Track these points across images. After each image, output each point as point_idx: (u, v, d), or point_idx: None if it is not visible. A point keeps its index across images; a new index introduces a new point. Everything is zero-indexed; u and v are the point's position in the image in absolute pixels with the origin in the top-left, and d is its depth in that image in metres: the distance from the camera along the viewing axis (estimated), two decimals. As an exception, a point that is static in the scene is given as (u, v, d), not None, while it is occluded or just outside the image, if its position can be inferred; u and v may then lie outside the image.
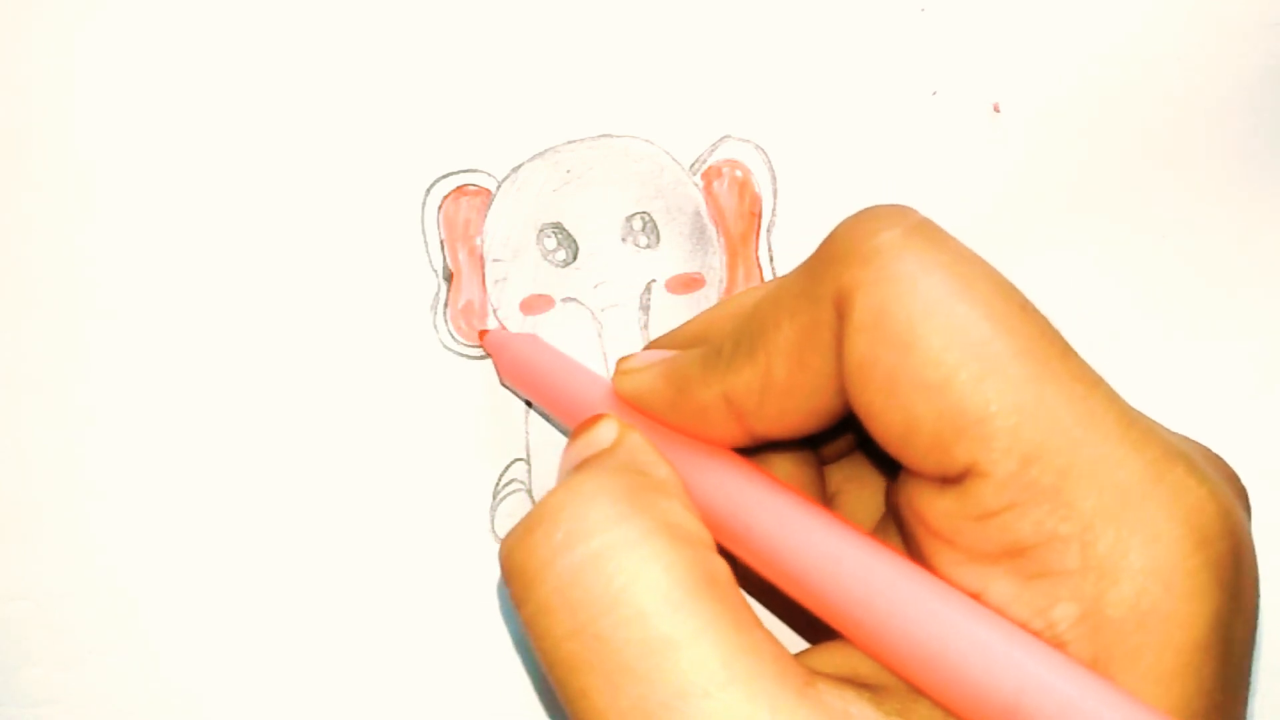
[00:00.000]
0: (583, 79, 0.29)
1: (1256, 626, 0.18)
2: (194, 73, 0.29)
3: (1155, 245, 0.31)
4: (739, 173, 0.30)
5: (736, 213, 0.30)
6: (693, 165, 0.30)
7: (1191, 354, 0.31)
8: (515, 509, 0.30)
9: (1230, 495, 0.18)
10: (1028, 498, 0.17)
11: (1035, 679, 0.17)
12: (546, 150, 0.29)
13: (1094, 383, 0.18)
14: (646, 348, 0.24)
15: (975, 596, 0.18)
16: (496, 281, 0.30)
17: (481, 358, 0.30)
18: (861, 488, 0.25)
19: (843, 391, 0.19)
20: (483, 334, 0.29)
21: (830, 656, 0.19)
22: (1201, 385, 0.31)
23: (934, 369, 0.17)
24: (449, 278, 0.29)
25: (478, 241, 0.30)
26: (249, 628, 0.29)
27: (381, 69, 0.29)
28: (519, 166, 0.29)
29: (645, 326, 0.30)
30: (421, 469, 0.29)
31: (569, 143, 0.29)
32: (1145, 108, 0.30)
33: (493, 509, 0.30)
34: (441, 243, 0.29)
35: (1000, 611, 0.18)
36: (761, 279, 0.30)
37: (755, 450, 0.22)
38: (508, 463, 0.30)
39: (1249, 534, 0.18)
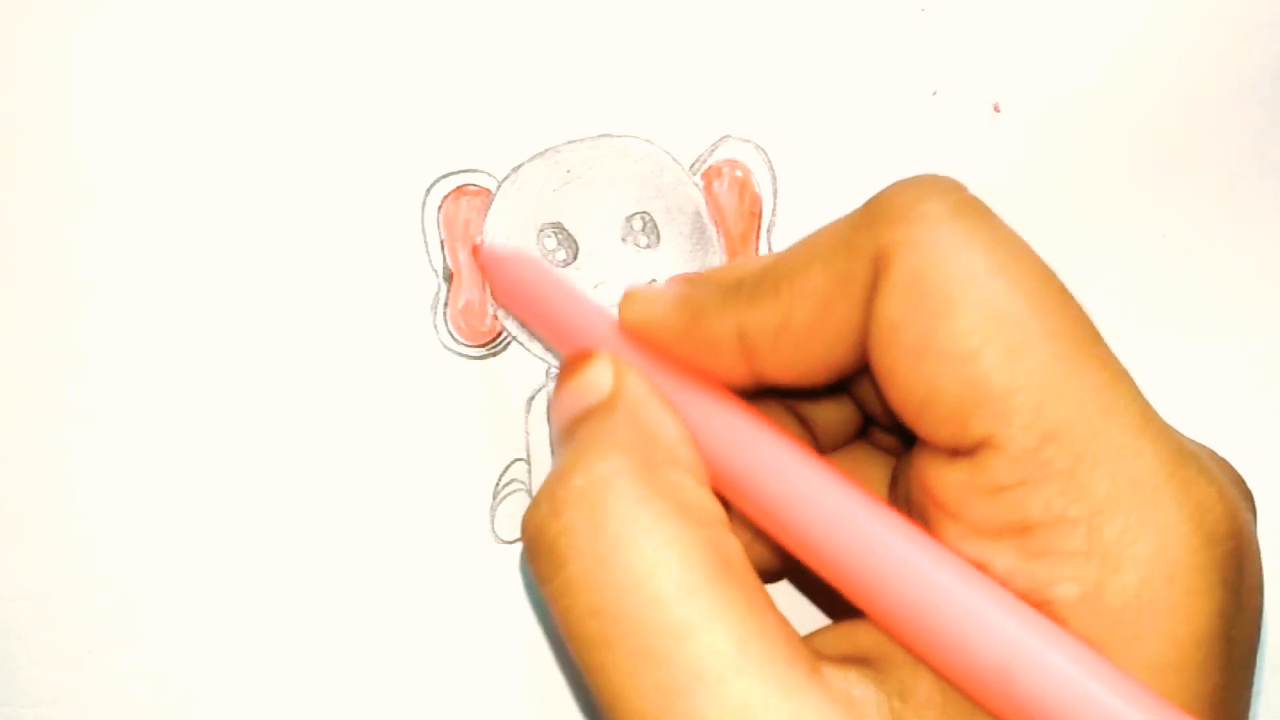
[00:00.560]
0: (583, 79, 0.29)
1: (1260, 630, 0.18)
2: (193, 73, 0.29)
3: (1156, 245, 0.31)
4: (739, 173, 0.30)
5: (736, 213, 0.30)
6: (693, 165, 0.30)
7: (1192, 354, 0.31)
8: (515, 509, 0.30)
9: (1238, 498, 0.18)
10: (1041, 476, 0.17)
11: (1028, 647, 0.17)
12: (546, 150, 0.29)
13: (1119, 374, 0.18)
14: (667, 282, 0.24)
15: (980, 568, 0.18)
16: (496, 281, 0.30)
17: (481, 358, 0.30)
18: (859, 478, 0.25)
19: (860, 347, 0.19)
20: (476, 249, 0.28)
21: (835, 637, 0.20)
22: (1202, 385, 0.31)
23: (964, 338, 0.17)
24: (449, 278, 0.29)
25: (478, 241, 0.30)
26: (249, 628, 0.29)
27: (381, 69, 0.29)
28: (519, 166, 0.29)
29: (645, 326, 0.30)
30: (421, 469, 0.29)
31: (569, 143, 0.29)
32: (1145, 108, 0.30)
33: (493, 509, 0.30)
34: (441, 243, 0.29)
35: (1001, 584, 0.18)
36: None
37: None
38: (508, 463, 0.30)
39: (1255, 537, 0.18)
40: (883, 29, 0.30)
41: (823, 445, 0.26)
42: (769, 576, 0.25)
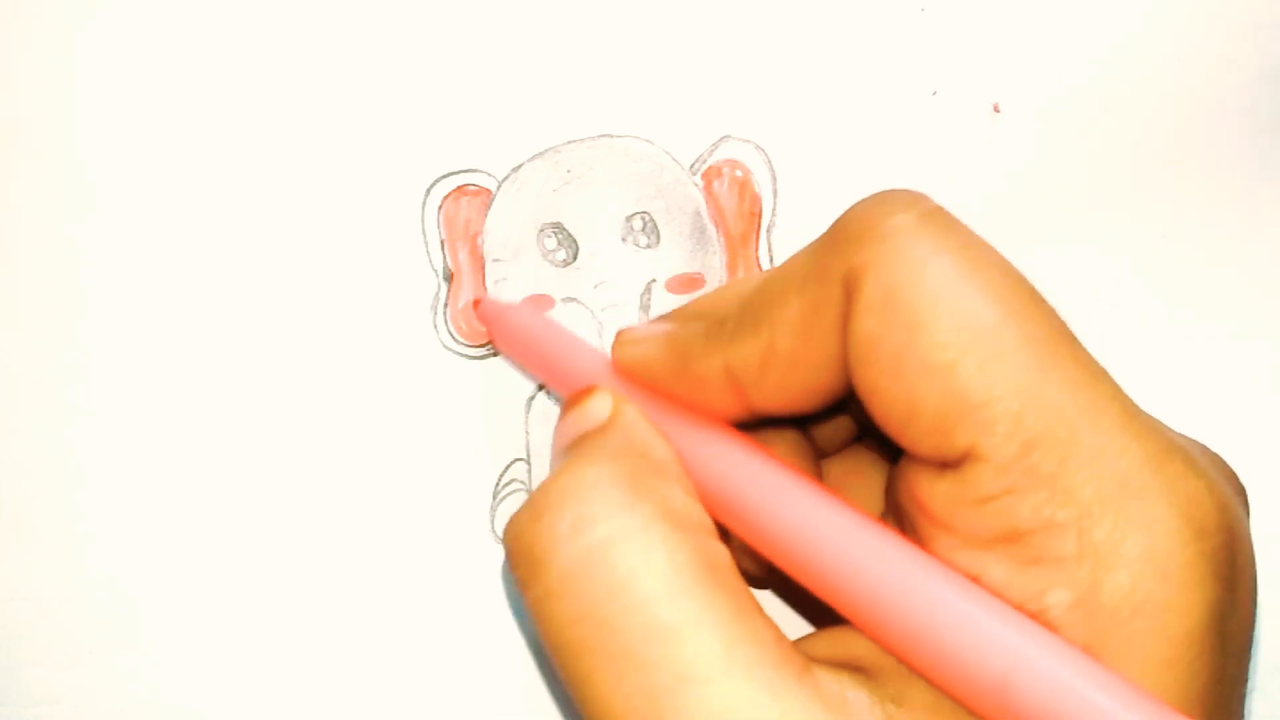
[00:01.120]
0: (583, 79, 0.29)
1: (1254, 623, 0.18)
2: (193, 73, 0.29)
3: (1156, 245, 0.31)
4: (739, 173, 0.30)
5: (736, 213, 0.30)
6: (693, 165, 0.30)
7: (1192, 353, 0.31)
8: (515, 509, 0.30)
9: (1228, 491, 0.18)
10: (1027, 483, 0.17)
11: (1025, 658, 0.17)
12: (546, 150, 0.29)
13: (1097, 374, 0.18)
14: (650, 322, 0.24)
15: (972, 580, 0.18)
16: (497, 281, 0.30)
17: (481, 358, 0.30)
18: (858, 481, 0.25)
19: (845, 370, 0.19)
20: (477, 301, 0.29)
21: (828, 642, 0.20)
22: (1202, 384, 0.31)
23: (940, 351, 0.17)
24: (449, 278, 0.29)
25: (478, 241, 0.30)
26: (249, 628, 0.29)
27: (381, 69, 0.29)
28: (519, 166, 0.29)
29: (645, 326, 0.30)
30: (421, 469, 0.29)
31: (569, 143, 0.29)
32: (1145, 108, 0.30)
33: (493, 509, 0.30)
34: (441, 243, 0.29)
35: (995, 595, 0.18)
36: (761, 279, 0.30)
37: (752, 434, 0.22)
38: (508, 463, 0.30)
39: (1247, 530, 0.18)
40: (883, 29, 0.30)
41: (822, 450, 0.26)
42: (755, 585, 0.25)
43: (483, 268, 0.29)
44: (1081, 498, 0.17)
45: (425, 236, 0.29)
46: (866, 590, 0.18)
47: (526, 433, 0.30)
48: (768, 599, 0.27)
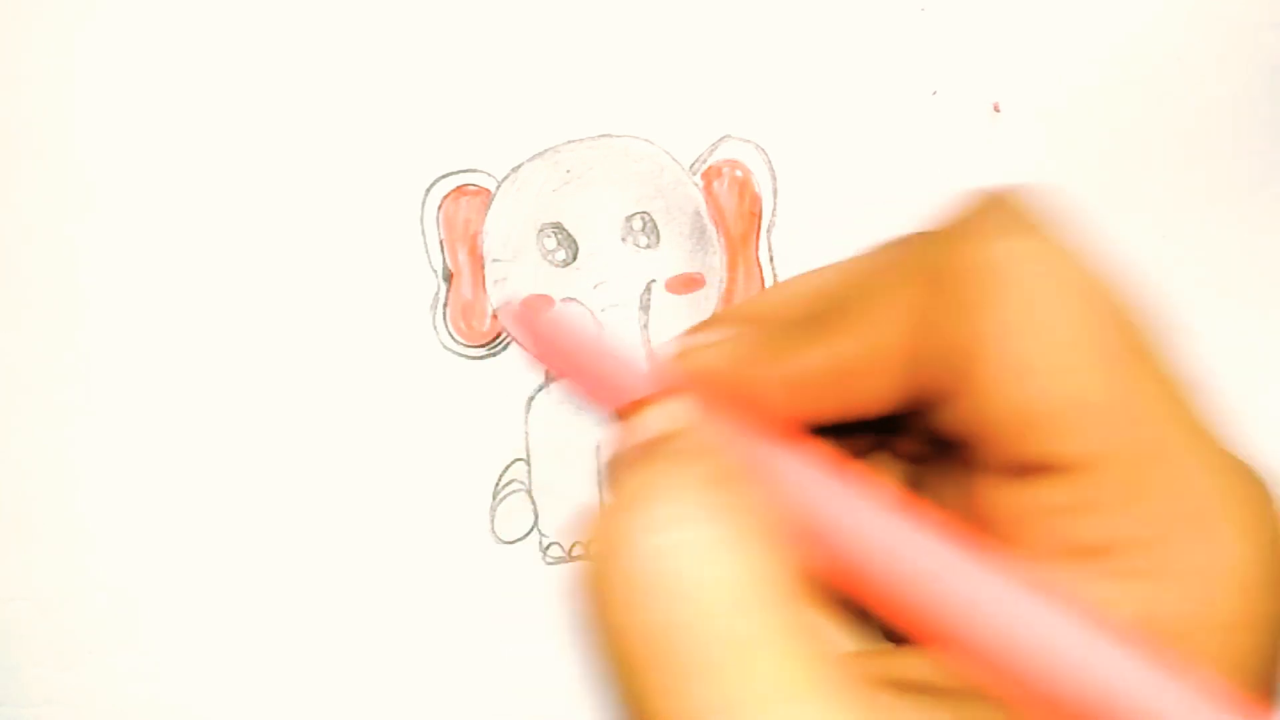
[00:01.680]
0: (582, 79, 0.29)
1: None
2: (193, 73, 0.29)
3: (1156, 245, 0.31)
4: (739, 173, 0.30)
5: (737, 213, 0.30)
6: (693, 165, 0.30)
7: (1192, 353, 0.31)
8: (515, 509, 0.30)
9: None
10: (1109, 497, 0.17)
11: (1133, 677, 0.16)
12: (546, 150, 0.29)
13: (1182, 390, 0.18)
14: (695, 328, 0.23)
15: None
16: (496, 282, 0.30)
17: (481, 358, 0.30)
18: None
19: (917, 375, 0.19)
20: (522, 304, 0.28)
21: (887, 661, 0.19)
22: (1203, 383, 0.31)
23: (1032, 356, 0.17)
24: (449, 278, 0.29)
25: (478, 241, 0.30)
26: (248, 628, 0.29)
27: (381, 69, 0.29)
28: (519, 166, 0.29)
29: (645, 326, 0.30)
30: (421, 469, 0.29)
31: (569, 142, 0.29)
32: (1146, 107, 0.30)
33: (492, 509, 0.30)
34: (441, 243, 0.29)
35: None
36: (761, 280, 0.30)
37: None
38: (507, 463, 0.30)
39: None
40: (883, 29, 0.30)
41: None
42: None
43: (482, 268, 0.29)
44: (1163, 516, 0.17)
45: (425, 236, 0.29)
46: (969, 621, 0.18)
47: (526, 433, 0.30)
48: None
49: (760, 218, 0.30)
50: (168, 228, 0.29)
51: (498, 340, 0.30)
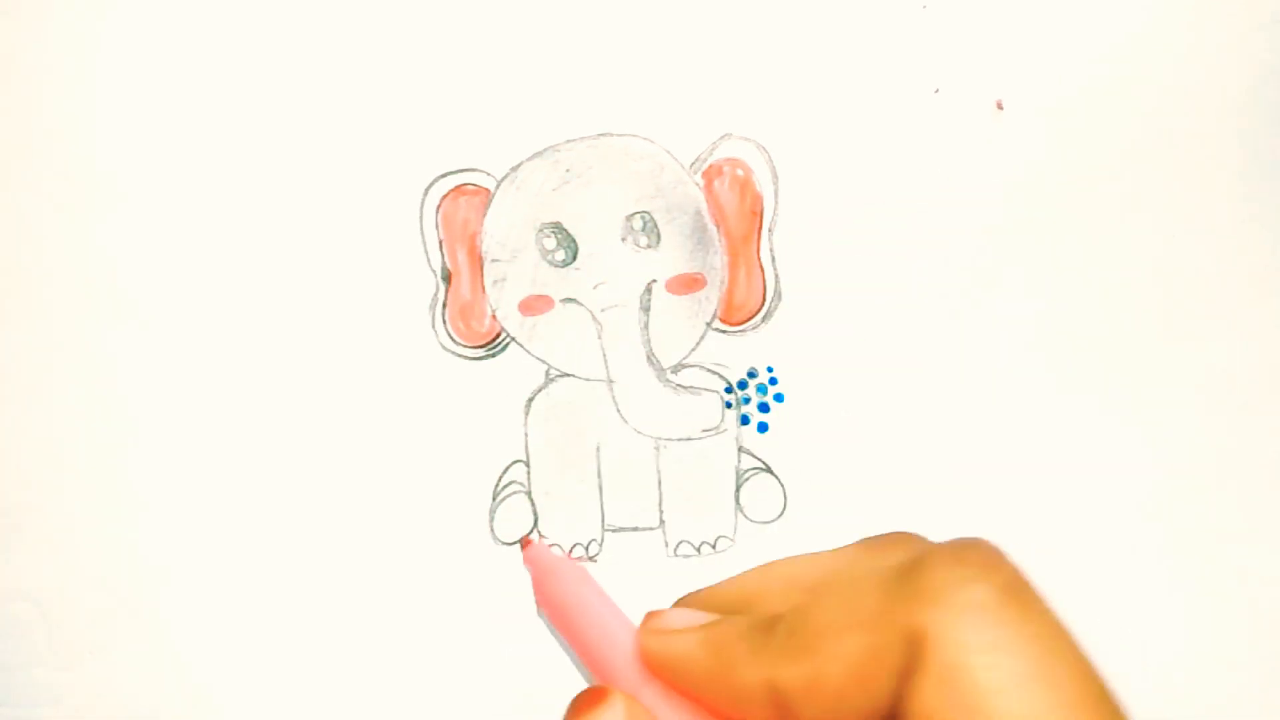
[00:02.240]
0: (582, 78, 0.29)
1: None
2: (193, 74, 0.29)
3: (1157, 244, 0.31)
4: (740, 171, 0.30)
5: (738, 212, 0.30)
6: (693, 164, 0.30)
7: (1193, 352, 0.31)
8: (515, 510, 0.30)
9: None
10: None
11: None
12: (546, 149, 0.29)
13: None
14: (677, 604, 0.23)
15: None
16: (495, 282, 0.29)
17: (480, 358, 0.29)
18: None
19: (896, 714, 0.19)
20: (527, 543, 0.28)
21: None
22: (1203, 383, 0.31)
23: None
24: (448, 278, 0.29)
25: (477, 241, 0.29)
26: (249, 627, 0.29)
27: (381, 69, 0.29)
28: (518, 166, 0.29)
29: (645, 327, 0.29)
30: (421, 470, 0.29)
31: (568, 141, 0.29)
32: (1147, 106, 0.30)
33: (492, 510, 0.30)
34: (440, 243, 0.29)
35: None
36: (763, 279, 0.30)
37: None
38: (507, 464, 0.30)
39: None
40: (885, 27, 0.30)
41: None
42: None
43: (481, 268, 0.29)
44: None
45: (424, 236, 0.29)
46: None
47: (526, 434, 0.30)
48: None
49: (761, 217, 0.30)
50: (167, 227, 0.29)
51: (496, 341, 0.29)
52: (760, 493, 0.30)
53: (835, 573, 0.20)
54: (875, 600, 0.19)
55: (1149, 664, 0.31)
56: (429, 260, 0.29)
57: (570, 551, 0.30)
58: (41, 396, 0.29)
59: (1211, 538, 0.31)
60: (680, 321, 0.29)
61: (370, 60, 0.29)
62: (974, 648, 0.18)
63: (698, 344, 0.30)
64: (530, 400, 0.30)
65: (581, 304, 0.29)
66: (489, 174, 0.29)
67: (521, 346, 0.29)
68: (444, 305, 0.29)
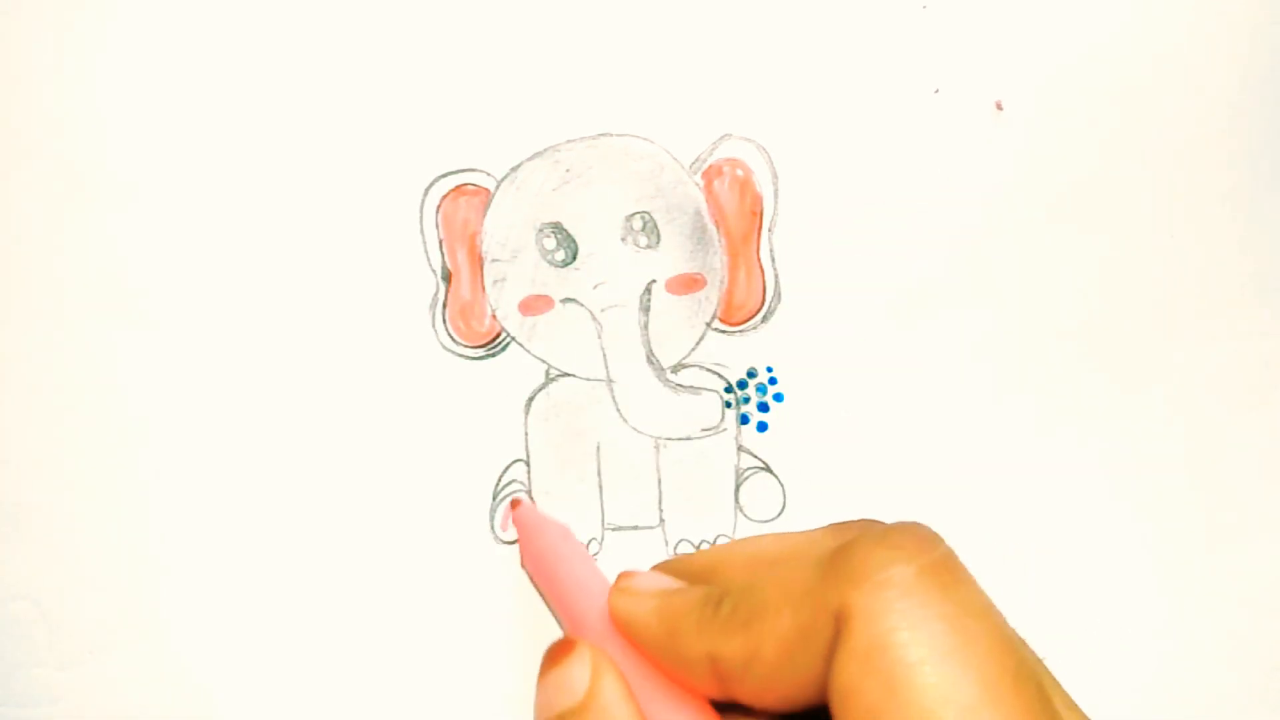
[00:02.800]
0: (582, 78, 0.29)
1: None
2: (194, 74, 0.29)
3: (1157, 243, 0.31)
4: (740, 171, 0.30)
5: (738, 212, 0.30)
6: (693, 164, 0.30)
7: (1193, 352, 0.31)
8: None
9: None
10: None
11: None
12: (546, 149, 0.29)
13: None
14: (654, 567, 0.24)
15: None
16: (495, 282, 0.29)
17: (480, 358, 0.30)
18: None
19: (824, 691, 0.19)
20: (516, 503, 0.28)
21: None
22: (1203, 383, 0.31)
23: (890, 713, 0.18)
24: (448, 278, 0.29)
25: (476, 241, 0.29)
26: (249, 627, 0.29)
27: (380, 69, 0.29)
28: (518, 166, 0.29)
29: (645, 327, 0.29)
30: (421, 470, 0.29)
31: (568, 141, 0.29)
32: (1147, 106, 0.30)
33: (493, 509, 0.30)
34: (440, 242, 0.29)
35: None
36: (763, 279, 0.30)
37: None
38: (507, 464, 0.30)
39: None
40: (885, 27, 0.30)
41: None
42: None
43: (481, 268, 0.29)
44: None
45: (424, 236, 0.29)
46: None
47: (526, 434, 0.30)
48: None
49: (761, 217, 0.30)
50: (166, 227, 0.29)
51: (496, 341, 0.29)
52: (760, 492, 0.30)
53: (787, 552, 0.21)
54: (807, 580, 0.19)
55: (1138, 663, 0.31)
56: (429, 260, 0.29)
57: (570, 551, 0.30)
58: (41, 396, 0.29)
59: (1201, 538, 0.31)
60: (680, 321, 0.29)
61: (370, 61, 0.29)
62: (893, 625, 0.18)
63: (698, 344, 0.30)
64: (530, 400, 0.30)
65: (581, 304, 0.29)
66: (489, 174, 0.29)
67: (521, 346, 0.29)
68: (444, 305, 0.29)
